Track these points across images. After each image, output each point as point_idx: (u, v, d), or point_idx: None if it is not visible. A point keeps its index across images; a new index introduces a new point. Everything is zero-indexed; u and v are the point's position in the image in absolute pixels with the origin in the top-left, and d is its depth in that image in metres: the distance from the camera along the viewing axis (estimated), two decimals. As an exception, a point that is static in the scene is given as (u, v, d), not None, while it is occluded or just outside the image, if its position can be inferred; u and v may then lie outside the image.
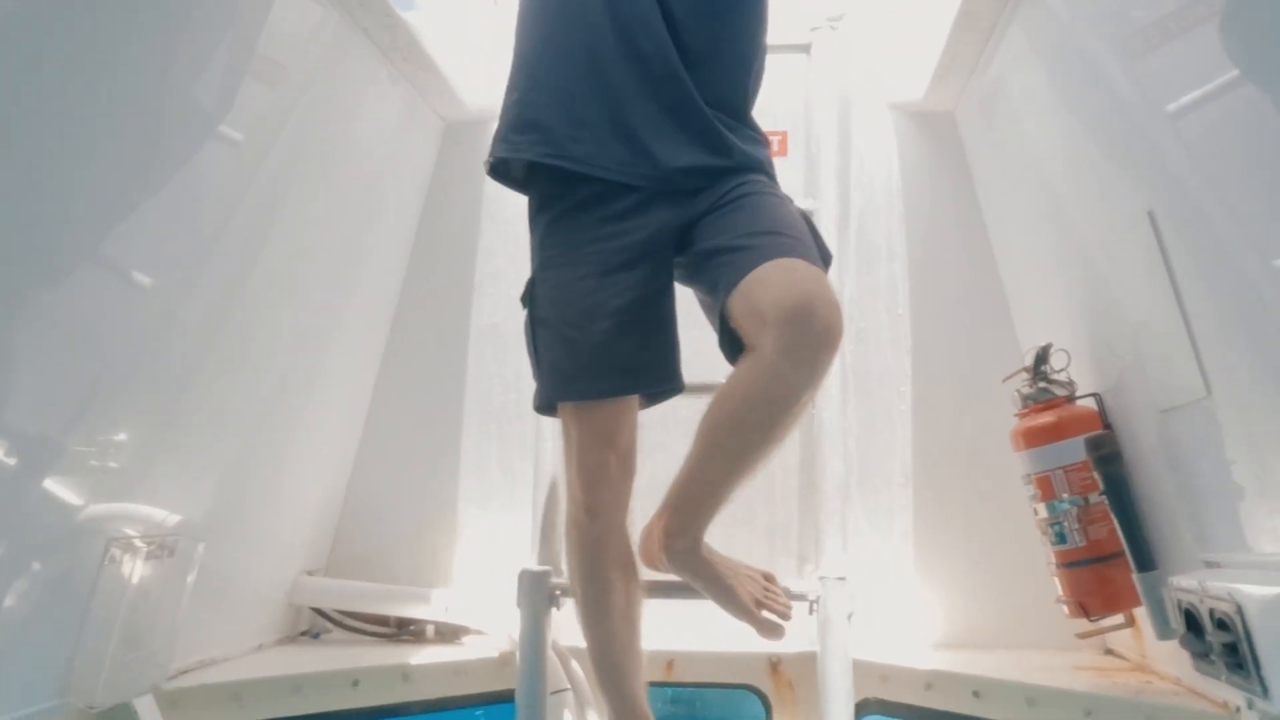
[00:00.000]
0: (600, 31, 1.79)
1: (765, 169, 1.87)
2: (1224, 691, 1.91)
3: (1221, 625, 1.66)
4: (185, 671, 2.16)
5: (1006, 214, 2.46)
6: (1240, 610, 1.60)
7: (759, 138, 1.91)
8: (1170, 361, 1.79)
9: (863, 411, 2.46)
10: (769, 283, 1.58)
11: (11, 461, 1.56)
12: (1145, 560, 1.91)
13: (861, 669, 2.42)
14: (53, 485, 1.67)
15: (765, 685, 2.58)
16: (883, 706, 2.44)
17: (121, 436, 1.82)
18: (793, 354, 1.53)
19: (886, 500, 2.57)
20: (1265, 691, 1.57)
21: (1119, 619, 2.19)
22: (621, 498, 1.86)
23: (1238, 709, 1.86)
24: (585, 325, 1.76)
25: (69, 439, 1.68)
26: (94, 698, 1.78)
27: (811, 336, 1.52)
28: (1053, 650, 2.41)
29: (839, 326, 1.54)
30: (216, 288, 2.03)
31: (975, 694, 2.28)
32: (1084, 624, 2.19)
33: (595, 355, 1.76)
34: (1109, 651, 2.44)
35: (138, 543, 1.85)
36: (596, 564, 1.86)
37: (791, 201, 1.85)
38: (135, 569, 1.84)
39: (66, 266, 1.59)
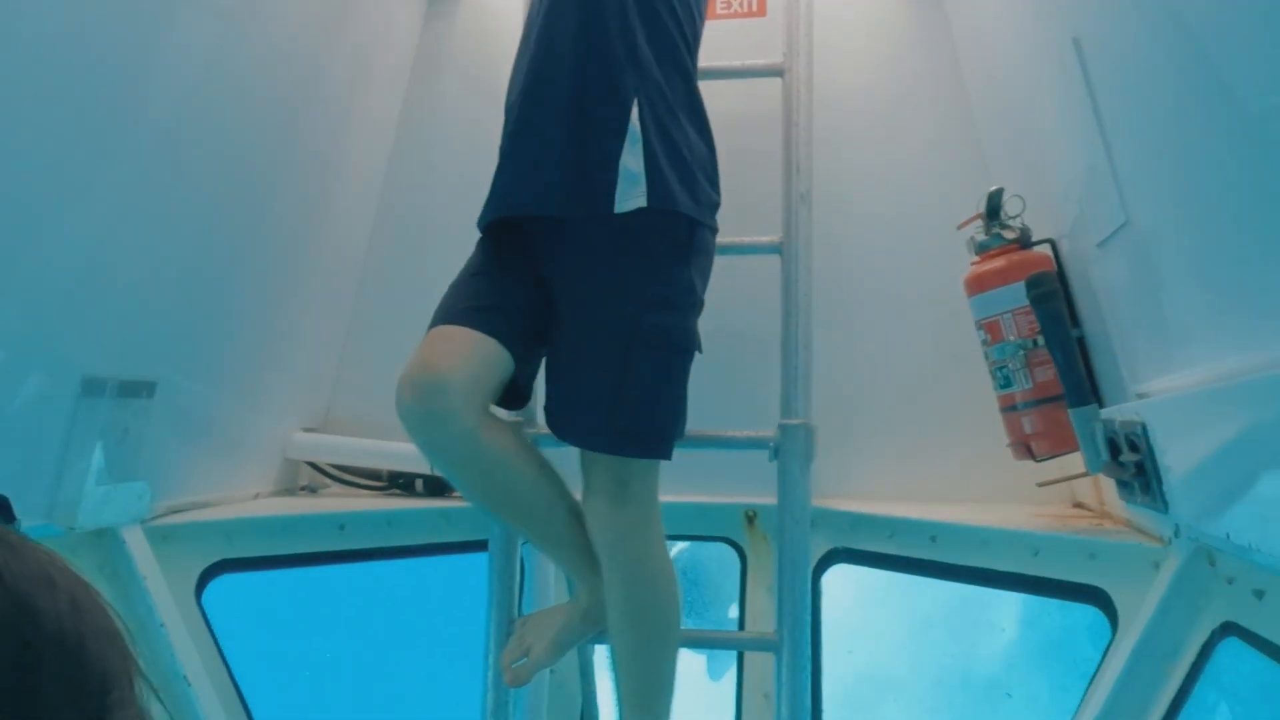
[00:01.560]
0: None
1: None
2: (1159, 526, 1.95)
3: (1133, 446, 1.69)
4: (177, 510, 2.30)
5: (982, 60, 2.44)
6: (1144, 426, 1.63)
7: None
8: (1099, 194, 1.79)
9: (829, 261, 2.46)
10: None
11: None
12: (1081, 396, 1.92)
13: (831, 519, 2.50)
14: (31, 315, 1.77)
15: (741, 538, 2.66)
16: (850, 555, 2.51)
17: (109, 276, 1.93)
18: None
19: (853, 352, 2.60)
20: (1166, 505, 1.61)
21: (1080, 469, 2.23)
22: None
23: (1168, 540, 1.90)
24: None
25: (54, 273, 1.79)
26: (75, 520, 1.92)
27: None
28: (1021, 504, 2.44)
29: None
30: (213, 149, 2.12)
31: (932, 539, 2.34)
32: (1047, 473, 2.24)
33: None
34: (1077, 504, 2.46)
35: (112, 380, 1.97)
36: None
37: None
38: (108, 404, 1.96)
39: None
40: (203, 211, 2.15)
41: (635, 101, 1.81)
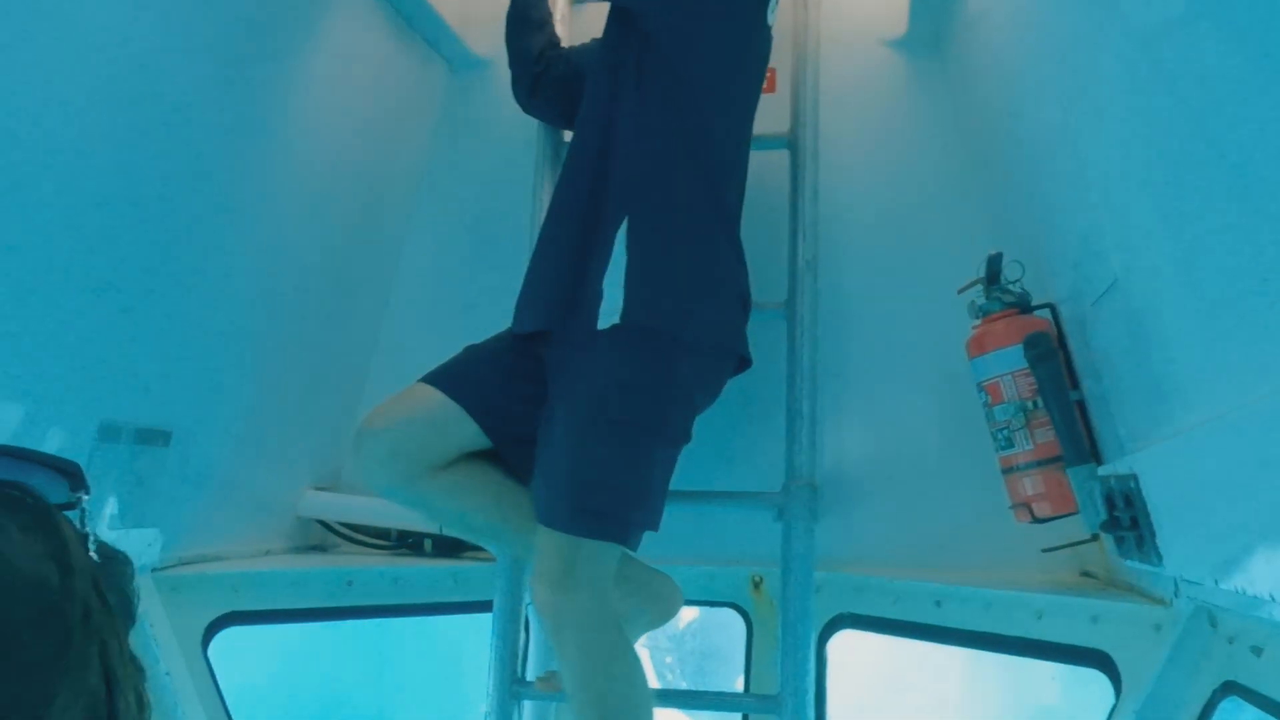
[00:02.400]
0: None
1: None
2: (1161, 588, 1.95)
3: (1127, 500, 1.70)
4: (187, 562, 2.34)
5: (983, 132, 2.50)
6: (1136, 478, 1.64)
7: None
8: (1093, 256, 1.83)
9: (834, 324, 2.50)
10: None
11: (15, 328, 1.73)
12: (1079, 455, 1.94)
13: (836, 584, 2.50)
14: (54, 357, 1.83)
15: (747, 603, 2.66)
16: (856, 620, 2.50)
17: (131, 324, 1.99)
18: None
19: (858, 415, 2.62)
20: (1160, 558, 1.61)
21: (1084, 534, 2.23)
22: None
23: (1170, 601, 1.89)
24: None
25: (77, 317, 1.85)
26: (86, 563, 1.95)
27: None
28: (1028, 571, 2.43)
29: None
30: (239, 209, 2.22)
31: (937, 603, 2.33)
32: (1053, 539, 2.24)
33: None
34: (1085, 574, 2.45)
35: (129, 426, 2.02)
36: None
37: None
38: (124, 450, 2.01)
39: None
40: (226, 266, 2.22)
41: (625, 221, 1.93)
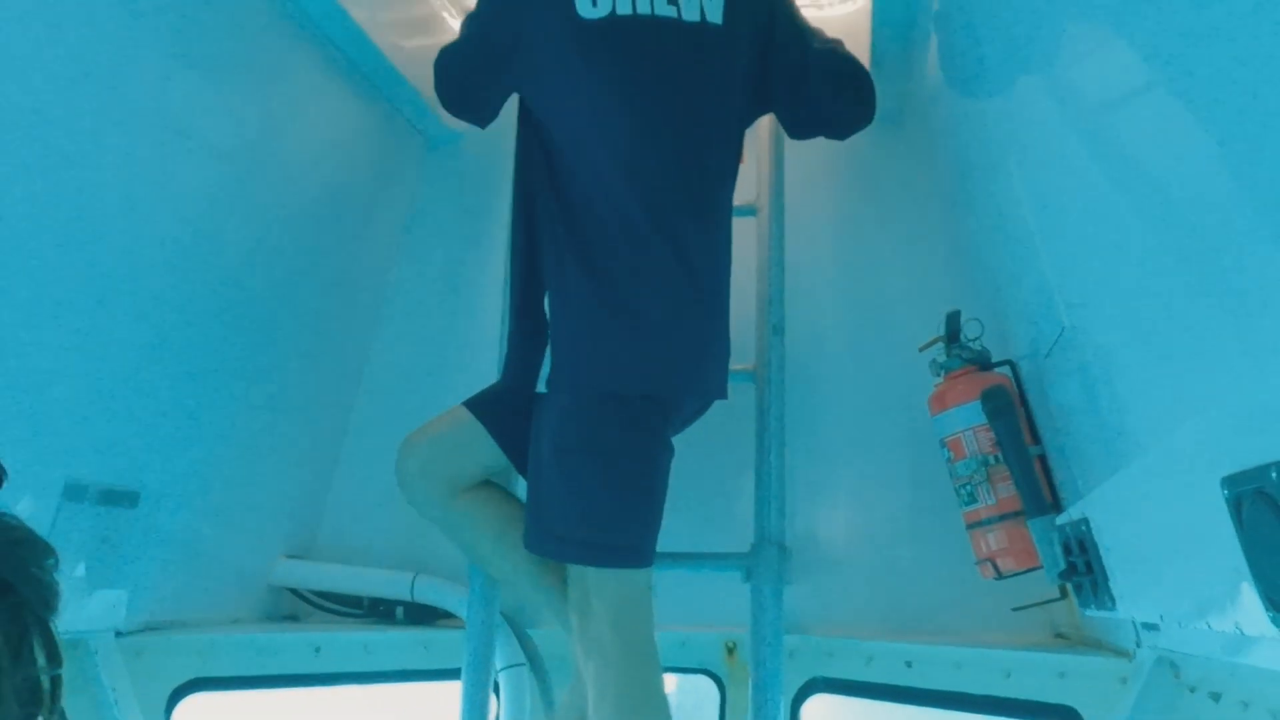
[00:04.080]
0: None
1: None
2: (1125, 640, 1.94)
3: (1081, 546, 1.70)
4: (154, 629, 2.32)
5: (942, 197, 2.56)
6: (1087, 522, 1.65)
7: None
8: (1045, 309, 1.86)
9: (801, 387, 2.53)
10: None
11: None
12: (1038, 506, 1.95)
13: (808, 647, 2.48)
14: (21, 414, 1.85)
15: (720, 670, 2.64)
16: (829, 684, 2.48)
17: (102, 381, 2.02)
18: None
19: (827, 479, 2.63)
20: (1113, 601, 1.61)
21: (1054, 592, 2.22)
22: None
23: (1133, 652, 1.89)
24: None
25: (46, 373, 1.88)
26: (47, 622, 1.95)
27: None
28: (1000, 632, 2.42)
29: None
30: (217, 271, 2.27)
31: (908, 664, 2.32)
32: (1024, 597, 2.24)
33: None
34: (1058, 635, 2.44)
35: (95, 486, 2.03)
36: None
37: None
38: (89, 510, 2.02)
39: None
40: (202, 328, 2.25)
41: (546, 292, 2.08)
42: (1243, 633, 1.09)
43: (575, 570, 1.99)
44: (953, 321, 2.22)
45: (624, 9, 2.00)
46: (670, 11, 2.03)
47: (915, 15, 2.35)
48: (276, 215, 2.43)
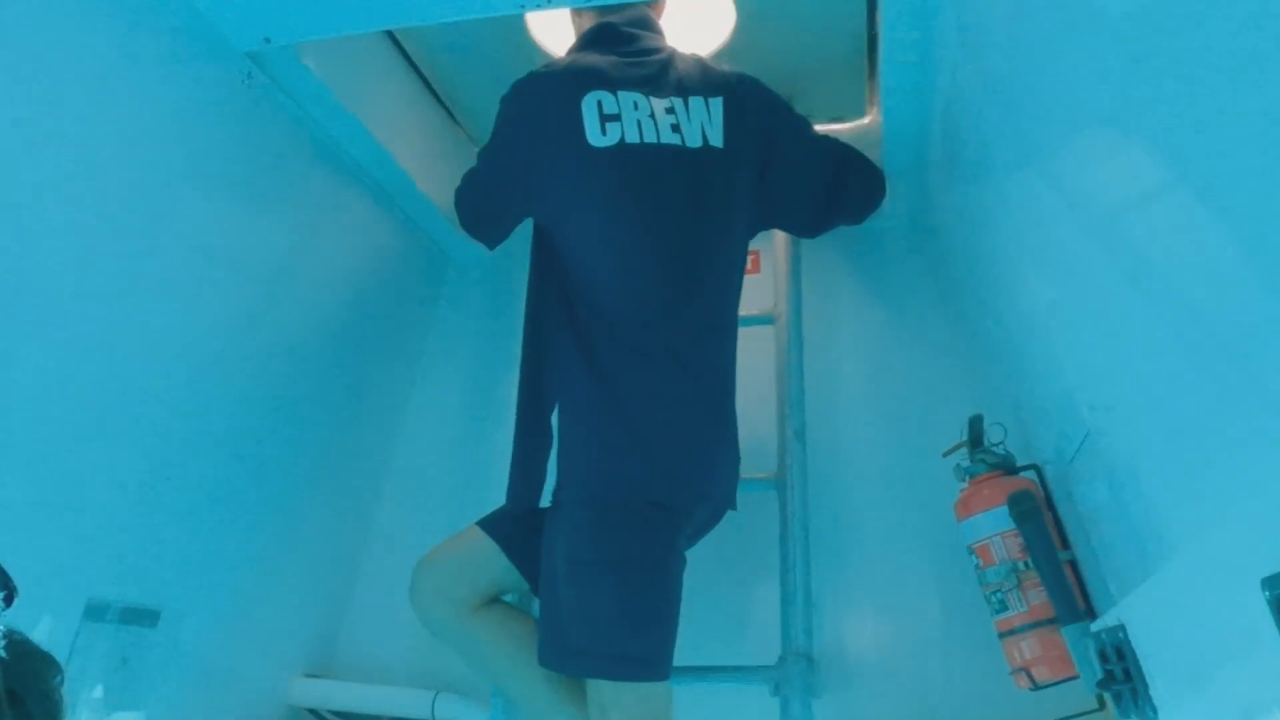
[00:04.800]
0: None
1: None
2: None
3: (1119, 653, 1.67)
4: (173, 753, 2.28)
5: (963, 304, 2.57)
6: (1124, 628, 1.62)
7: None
8: (1068, 414, 1.86)
9: (825, 494, 2.51)
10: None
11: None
12: (1072, 613, 1.91)
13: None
14: (41, 531, 1.85)
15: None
16: (860, 803, 2.40)
17: (124, 498, 2.02)
18: None
19: (853, 586, 2.59)
20: (1154, 711, 1.57)
21: (1092, 704, 2.17)
22: None
23: (1176, 763, 1.82)
24: None
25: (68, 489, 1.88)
26: (67, 752, 1.91)
27: None
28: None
29: None
30: (240, 389, 2.30)
31: (938, 776, 2.25)
32: (1062, 709, 2.18)
33: None
34: (1098, 750, 2.37)
35: (116, 604, 2.02)
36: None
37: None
38: (110, 630, 2.00)
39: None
40: (225, 448, 2.27)
41: (555, 408, 2.11)
42: (1293, 741, 1.06)
43: (592, 686, 1.97)
44: (975, 426, 2.21)
45: (632, 137, 2.10)
46: (674, 139, 2.14)
47: (926, 126, 2.40)
48: (301, 334, 2.46)
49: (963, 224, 2.37)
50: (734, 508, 2.21)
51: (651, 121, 2.11)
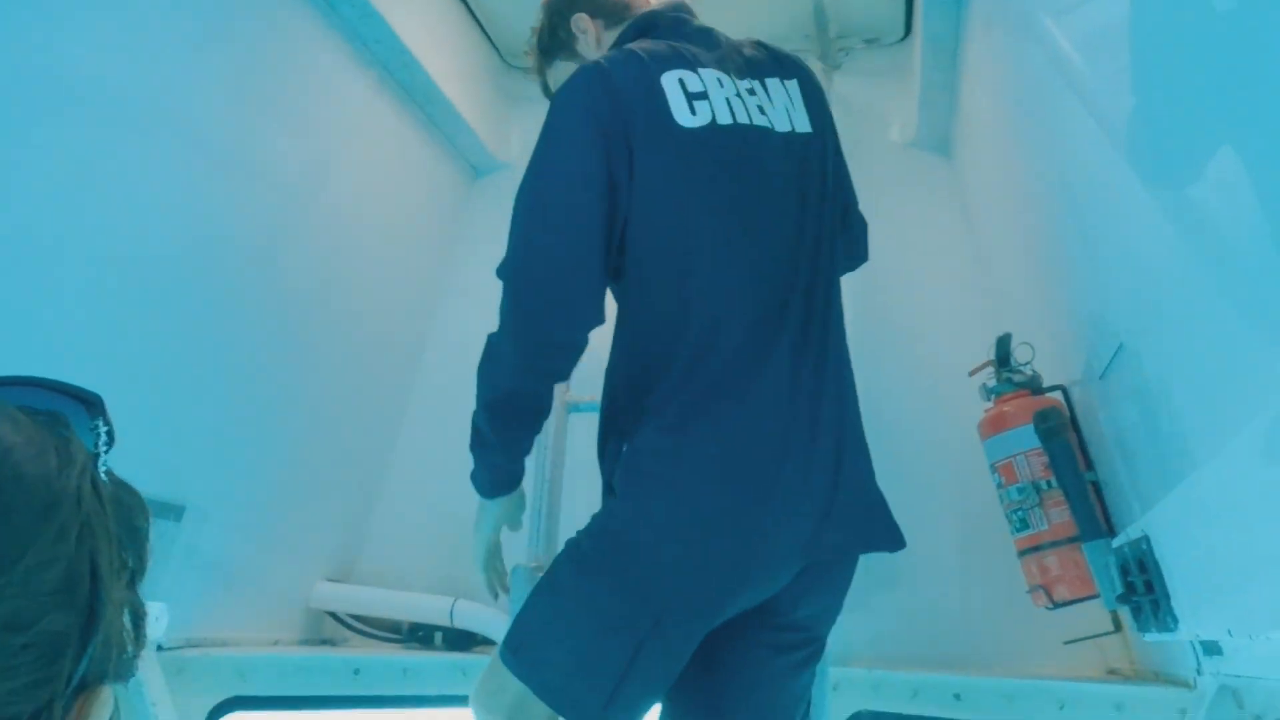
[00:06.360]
0: None
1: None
2: (1185, 670, 1.89)
3: (1141, 565, 1.66)
4: (194, 645, 2.31)
5: (991, 222, 2.55)
6: (1148, 539, 1.61)
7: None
8: (1101, 333, 1.84)
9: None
10: None
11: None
12: (1094, 530, 1.90)
13: (853, 681, 2.43)
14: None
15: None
16: (874, 718, 2.42)
17: (154, 393, 2.04)
18: None
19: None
20: (1175, 621, 1.57)
21: (1108, 625, 2.18)
22: None
23: (1194, 682, 1.83)
24: None
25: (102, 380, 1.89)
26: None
27: None
28: (1052, 667, 2.36)
29: None
30: (269, 295, 2.30)
31: (956, 696, 2.27)
32: (1074, 630, 2.19)
33: None
34: (1112, 671, 2.38)
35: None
36: None
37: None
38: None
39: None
40: (251, 350, 2.28)
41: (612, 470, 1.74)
42: (1319, 634, 1.05)
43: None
44: (1003, 345, 2.19)
45: (724, 118, 1.74)
46: (765, 122, 1.80)
47: (960, 47, 2.36)
48: (329, 241, 2.46)
49: (995, 145, 2.34)
50: None
51: (740, 101, 1.78)
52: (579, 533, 1.70)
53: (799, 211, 1.79)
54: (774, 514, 1.61)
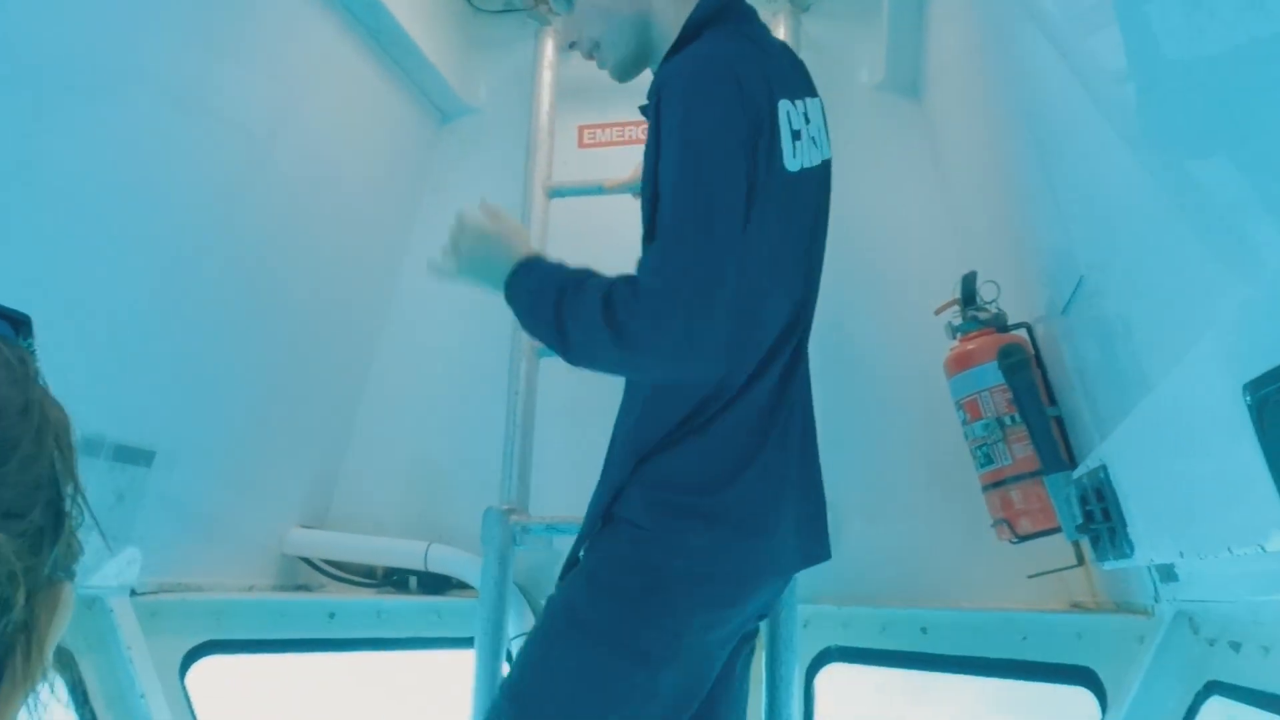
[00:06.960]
0: None
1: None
2: (1144, 598, 1.93)
3: (1099, 494, 1.69)
4: (168, 590, 2.32)
5: (958, 163, 2.55)
6: (1105, 468, 1.64)
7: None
8: (1062, 269, 1.86)
9: (816, 355, 2.52)
10: None
11: None
12: (1055, 463, 1.93)
13: (822, 618, 2.47)
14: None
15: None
16: (844, 653, 2.46)
17: (122, 338, 2.03)
18: None
19: (839, 448, 2.61)
20: (1131, 547, 1.60)
21: (1071, 559, 2.21)
22: None
23: (1151, 610, 1.87)
24: None
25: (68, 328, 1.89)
26: (62, 575, 1.95)
27: None
28: (1017, 602, 2.40)
29: None
30: (236, 241, 2.29)
31: (923, 630, 2.31)
32: (1039, 565, 2.23)
33: None
34: (1075, 605, 2.42)
35: (109, 441, 2.04)
36: None
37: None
38: (103, 465, 2.02)
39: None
40: (221, 295, 2.27)
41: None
42: (1264, 550, 1.07)
43: None
44: (969, 283, 2.21)
45: (809, 161, 1.69)
46: (816, 158, 1.74)
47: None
48: (295, 186, 2.44)
49: (958, 83, 2.34)
50: None
51: (808, 135, 1.70)
52: (588, 562, 1.67)
53: (811, 240, 1.78)
54: (776, 550, 1.67)
